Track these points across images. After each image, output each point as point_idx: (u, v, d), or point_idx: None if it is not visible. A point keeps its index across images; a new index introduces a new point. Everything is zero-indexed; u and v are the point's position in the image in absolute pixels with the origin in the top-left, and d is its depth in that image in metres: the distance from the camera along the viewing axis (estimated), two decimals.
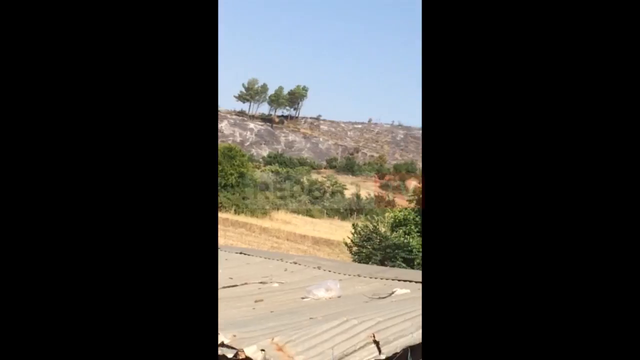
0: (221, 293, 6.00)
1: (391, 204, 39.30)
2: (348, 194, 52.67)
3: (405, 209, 19.84)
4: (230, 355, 3.93)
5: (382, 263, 17.24)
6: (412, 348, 5.38)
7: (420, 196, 18.77)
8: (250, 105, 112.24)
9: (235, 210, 40.30)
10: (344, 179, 66.69)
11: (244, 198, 42.79)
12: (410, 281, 8.74)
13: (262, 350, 3.91)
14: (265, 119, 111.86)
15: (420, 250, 17.81)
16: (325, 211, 45.45)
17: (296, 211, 43.66)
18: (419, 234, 18.19)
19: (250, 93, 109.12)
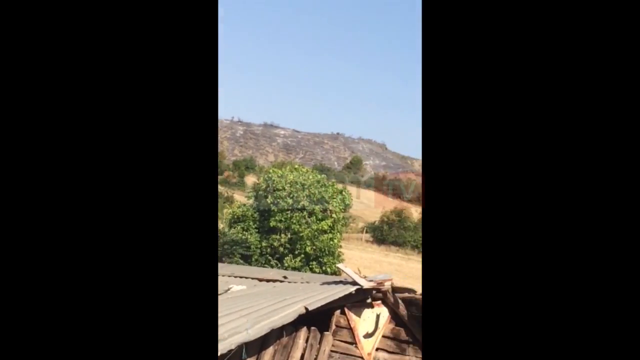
0: None
1: (230, 200, 39.10)
2: None
3: (244, 205, 19.82)
4: None
5: (219, 259, 17.11)
6: (247, 344, 5.40)
7: (259, 192, 18.85)
8: None
9: None
10: None
11: None
12: (247, 277, 8.78)
13: None
14: None
15: (258, 246, 17.94)
16: None
17: None
18: (257, 230, 18.29)
19: None
